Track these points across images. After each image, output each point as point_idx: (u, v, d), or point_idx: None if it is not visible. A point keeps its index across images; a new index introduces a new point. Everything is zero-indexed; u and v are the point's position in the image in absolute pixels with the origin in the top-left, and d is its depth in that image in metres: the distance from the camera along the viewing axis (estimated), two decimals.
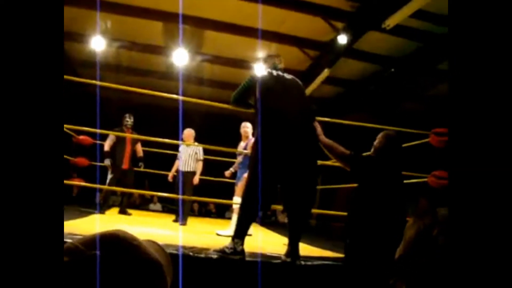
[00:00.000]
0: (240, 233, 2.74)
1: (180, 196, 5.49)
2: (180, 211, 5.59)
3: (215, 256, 2.64)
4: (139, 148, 6.08)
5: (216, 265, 2.61)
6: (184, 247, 2.79)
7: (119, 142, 5.74)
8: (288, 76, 3.06)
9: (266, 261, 2.74)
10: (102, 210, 5.60)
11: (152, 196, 9.16)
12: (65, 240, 0.68)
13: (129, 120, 5.88)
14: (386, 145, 2.68)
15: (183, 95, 5.51)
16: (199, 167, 5.64)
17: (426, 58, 6.53)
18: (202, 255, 2.63)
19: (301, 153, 2.82)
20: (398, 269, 0.88)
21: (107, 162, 5.69)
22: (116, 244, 0.55)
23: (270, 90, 2.88)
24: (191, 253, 2.63)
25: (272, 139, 2.78)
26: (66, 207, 5.11)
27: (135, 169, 5.98)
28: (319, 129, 2.96)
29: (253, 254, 2.87)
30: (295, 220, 2.91)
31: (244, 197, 2.83)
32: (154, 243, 0.66)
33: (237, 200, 4.17)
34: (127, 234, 0.59)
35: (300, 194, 2.87)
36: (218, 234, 4.48)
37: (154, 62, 8.18)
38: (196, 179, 5.60)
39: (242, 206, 2.81)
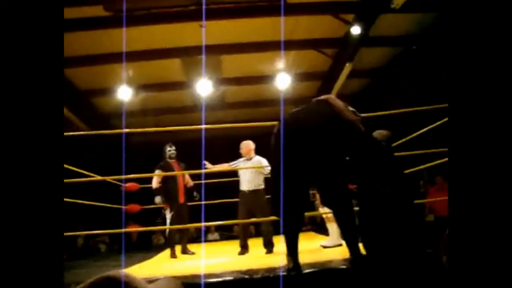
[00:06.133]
0: (289, 249, 2.76)
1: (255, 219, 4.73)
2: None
3: (271, 275, 2.68)
4: (188, 177, 5.41)
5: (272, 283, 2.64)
6: (241, 271, 2.86)
7: (168, 176, 5.10)
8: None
9: (325, 269, 2.78)
10: (173, 254, 4.97)
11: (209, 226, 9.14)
12: None
13: (170, 149, 5.28)
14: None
15: (209, 123, 5.43)
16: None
17: (446, 25, 6.32)
18: (259, 276, 2.70)
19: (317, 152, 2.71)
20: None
21: (157, 200, 5.12)
22: (110, 285, 0.58)
23: None
24: (246, 276, 2.70)
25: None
26: (128, 254, 5.20)
27: (189, 203, 5.33)
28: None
29: (314, 265, 2.90)
30: (339, 218, 2.92)
31: (273, 213, 2.92)
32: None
33: (325, 209, 3.99)
34: (121, 273, 0.61)
35: (329, 188, 2.86)
36: (323, 247, 4.42)
37: (177, 98, 8.46)
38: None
39: (280, 221, 2.84)
